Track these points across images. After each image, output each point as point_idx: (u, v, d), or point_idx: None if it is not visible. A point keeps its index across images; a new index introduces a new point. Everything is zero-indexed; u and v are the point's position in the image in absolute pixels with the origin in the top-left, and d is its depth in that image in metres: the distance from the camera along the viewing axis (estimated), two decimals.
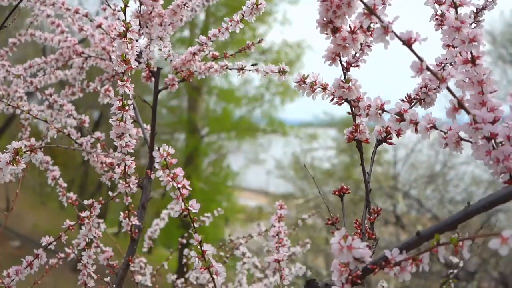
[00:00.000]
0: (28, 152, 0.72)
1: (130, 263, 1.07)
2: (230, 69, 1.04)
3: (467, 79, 0.60)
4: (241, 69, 1.02)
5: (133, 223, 1.05)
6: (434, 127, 0.62)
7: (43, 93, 1.18)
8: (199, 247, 0.71)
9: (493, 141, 0.58)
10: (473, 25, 0.78)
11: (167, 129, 11.44)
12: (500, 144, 0.57)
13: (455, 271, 1.19)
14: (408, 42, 0.56)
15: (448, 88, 0.56)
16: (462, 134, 0.61)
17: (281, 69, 0.93)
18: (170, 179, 0.68)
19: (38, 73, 1.38)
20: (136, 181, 0.98)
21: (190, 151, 10.88)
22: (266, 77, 0.85)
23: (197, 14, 1.23)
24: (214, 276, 0.71)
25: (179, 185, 0.68)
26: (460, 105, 0.56)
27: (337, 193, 0.71)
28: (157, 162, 0.67)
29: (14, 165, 0.73)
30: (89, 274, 1.01)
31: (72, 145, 1.12)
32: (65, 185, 1.17)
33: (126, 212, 1.04)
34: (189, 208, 0.69)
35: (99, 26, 1.07)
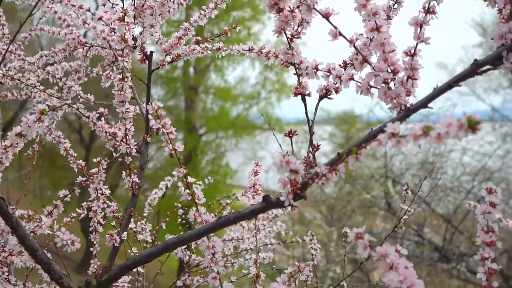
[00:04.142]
0: (51, 112, 0.94)
1: (132, 214, 1.29)
2: (210, 50, 1.26)
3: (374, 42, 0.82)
4: (218, 49, 1.24)
5: (134, 180, 1.26)
6: (352, 78, 0.84)
7: (54, 77, 1.39)
8: (185, 180, 0.93)
9: (392, 84, 0.80)
10: (396, 5, 1.00)
11: None
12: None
13: (406, 217, 1.40)
14: (326, 16, 0.78)
15: (355, 47, 0.78)
16: (372, 83, 0.83)
17: (250, 48, 1.14)
18: (161, 126, 0.90)
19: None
20: (135, 143, 1.20)
21: (189, 150, 11.09)
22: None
23: (184, 7, 1.46)
24: (197, 201, 0.93)
25: (168, 131, 0.90)
26: (364, 60, 0.79)
27: (286, 135, 0.93)
28: (150, 113, 0.89)
29: (40, 122, 0.94)
30: (99, 221, 1.23)
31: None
32: (75, 154, 1.38)
33: (128, 171, 1.26)
34: (176, 148, 0.91)
35: (100, 18, 1.29)
